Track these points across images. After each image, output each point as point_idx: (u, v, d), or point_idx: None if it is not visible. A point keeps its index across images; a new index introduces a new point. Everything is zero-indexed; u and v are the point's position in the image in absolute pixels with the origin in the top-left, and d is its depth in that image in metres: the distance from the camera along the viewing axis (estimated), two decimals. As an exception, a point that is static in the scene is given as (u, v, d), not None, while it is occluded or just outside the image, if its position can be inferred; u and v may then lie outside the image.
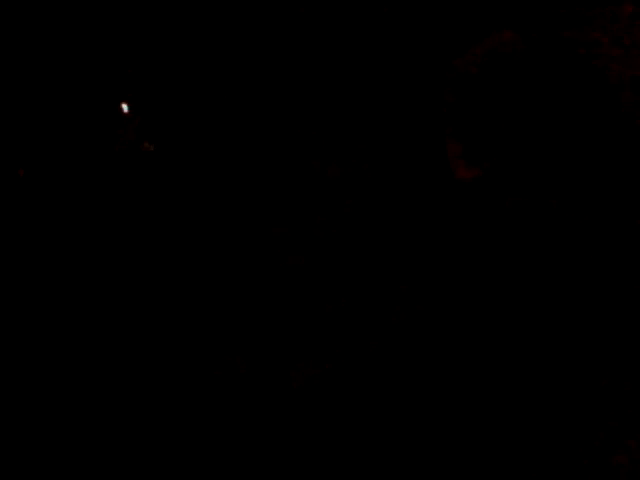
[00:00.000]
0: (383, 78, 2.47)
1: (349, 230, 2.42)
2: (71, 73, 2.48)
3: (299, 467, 2.31)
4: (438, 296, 2.38)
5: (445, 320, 2.36)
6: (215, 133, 2.46)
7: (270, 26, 2.48)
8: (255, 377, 2.35)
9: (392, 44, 2.48)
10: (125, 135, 2.44)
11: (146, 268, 2.42)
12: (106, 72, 2.48)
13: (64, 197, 2.44)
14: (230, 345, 2.39)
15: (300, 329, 2.38)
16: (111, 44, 2.48)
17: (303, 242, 2.41)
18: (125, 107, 2.38)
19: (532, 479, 2.25)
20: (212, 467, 2.33)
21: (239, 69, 2.48)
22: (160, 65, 2.47)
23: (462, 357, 2.34)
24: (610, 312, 2.33)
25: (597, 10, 2.46)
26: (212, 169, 2.46)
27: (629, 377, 2.29)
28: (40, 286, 2.42)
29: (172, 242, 2.44)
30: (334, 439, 2.32)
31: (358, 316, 2.39)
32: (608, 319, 2.33)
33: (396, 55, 2.48)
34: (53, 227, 2.44)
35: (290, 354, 2.37)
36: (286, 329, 2.38)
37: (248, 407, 2.35)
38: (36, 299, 2.42)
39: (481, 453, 2.28)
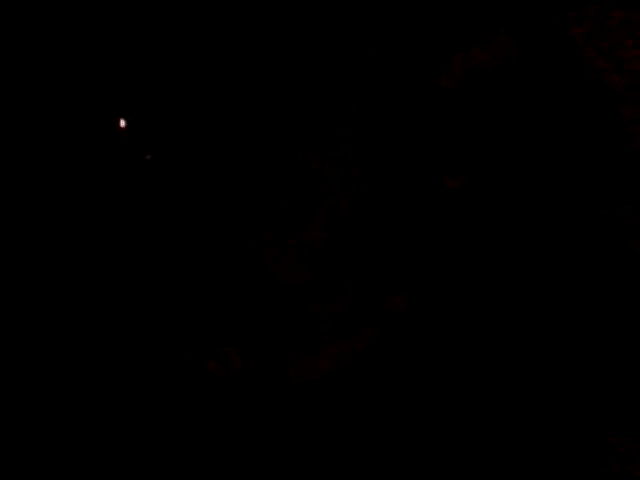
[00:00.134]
0: (381, 80, 2.47)
1: (345, 230, 2.42)
2: (70, 80, 2.48)
3: (298, 467, 2.32)
4: (433, 298, 2.39)
5: (441, 321, 2.37)
6: (208, 132, 2.47)
7: (266, 26, 2.48)
8: (251, 373, 2.35)
9: (385, 48, 2.48)
10: (121, 139, 2.43)
11: (142, 265, 2.42)
12: (104, 79, 2.47)
13: (63, 202, 2.44)
14: (225, 339, 2.39)
15: (299, 327, 2.38)
16: (109, 49, 2.48)
17: (301, 240, 2.41)
18: (123, 119, 2.37)
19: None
20: (207, 466, 2.34)
21: (234, 70, 2.48)
22: (154, 69, 2.47)
23: (458, 360, 2.34)
24: (604, 316, 2.34)
25: (587, 13, 2.47)
26: (206, 168, 2.46)
27: (630, 378, 2.30)
28: (39, 286, 2.42)
29: (169, 240, 2.43)
30: (334, 439, 2.33)
31: (357, 315, 2.39)
32: (602, 322, 2.34)
33: (391, 58, 2.48)
34: (52, 230, 2.44)
35: (288, 350, 2.37)
36: (284, 326, 2.38)
37: (244, 403, 2.35)
38: (36, 298, 2.41)
39: (481, 454, 2.29)
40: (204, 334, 2.38)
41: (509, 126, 2.43)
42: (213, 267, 2.41)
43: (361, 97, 2.46)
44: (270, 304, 2.38)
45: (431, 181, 2.42)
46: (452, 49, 2.47)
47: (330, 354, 2.36)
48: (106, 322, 2.40)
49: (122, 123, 2.43)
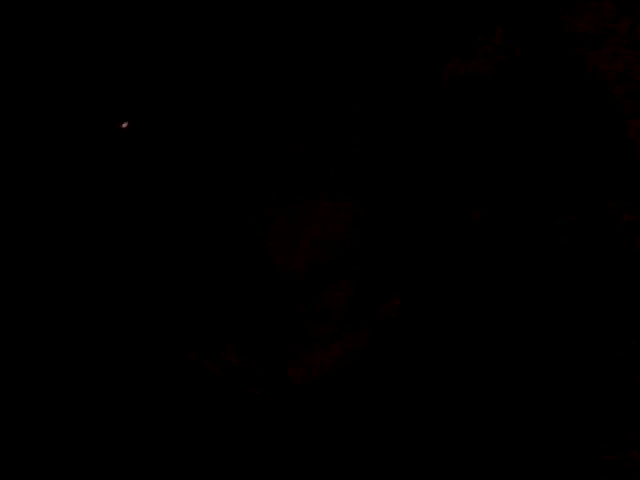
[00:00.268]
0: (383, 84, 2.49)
1: (347, 229, 2.42)
2: (70, 79, 2.49)
3: (298, 467, 2.30)
4: (433, 297, 2.38)
5: (440, 321, 2.36)
6: (210, 127, 2.47)
7: (263, 28, 2.50)
8: (250, 373, 2.35)
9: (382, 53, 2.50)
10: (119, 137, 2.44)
11: (141, 263, 2.42)
12: (105, 79, 2.49)
13: (62, 201, 2.44)
14: (223, 339, 2.38)
15: (299, 326, 2.38)
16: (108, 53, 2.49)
17: (303, 237, 2.41)
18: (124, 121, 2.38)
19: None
20: (207, 466, 2.32)
21: (233, 70, 2.49)
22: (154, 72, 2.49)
23: (457, 360, 2.34)
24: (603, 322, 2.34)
25: (591, 19, 2.49)
26: (206, 163, 2.46)
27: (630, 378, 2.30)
28: (39, 285, 2.42)
29: (167, 238, 2.44)
30: (334, 439, 2.31)
31: (358, 315, 2.38)
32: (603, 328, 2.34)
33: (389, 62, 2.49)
34: (51, 229, 2.44)
35: (289, 350, 2.36)
36: (284, 325, 2.37)
37: (243, 403, 2.34)
38: (34, 298, 2.41)
39: (481, 455, 2.28)
40: (203, 333, 2.37)
41: (510, 132, 2.44)
42: (212, 265, 2.40)
43: (361, 97, 2.46)
44: (269, 302, 2.38)
45: (431, 186, 2.42)
46: (449, 51, 2.48)
47: (331, 354, 2.35)
48: (105, 321, 2.39)
49: (123, 121, 2.43)
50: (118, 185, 2.44)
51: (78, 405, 2.35)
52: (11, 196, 2.40)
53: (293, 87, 2.47)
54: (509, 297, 2.36)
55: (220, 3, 2.49)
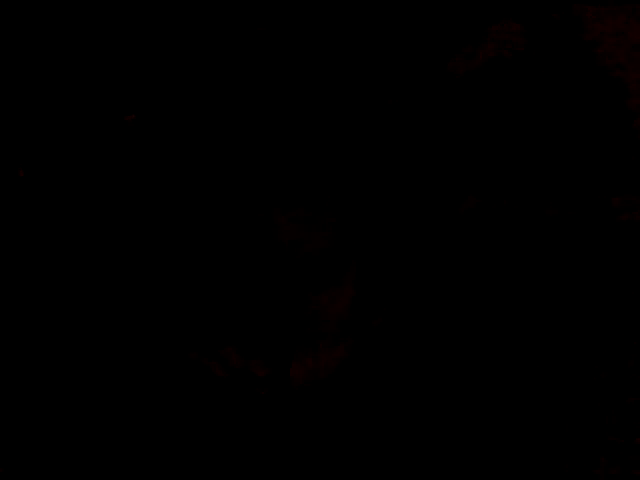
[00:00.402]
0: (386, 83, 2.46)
1: (350, 227, 2.41)
2: (72, 79, 2.46)
3: (298, 468, 2.31)
4: (434, 298, 2.37)
5: (440, 322, 2.36)
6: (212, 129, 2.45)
7: (263, 28, 2.47)
8: (252, 373, 2.34)
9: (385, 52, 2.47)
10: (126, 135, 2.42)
11: (142, 263, 2.40)
12: (107, 78, 2.46)
13: (64, 199, 2.42)
14: (225, 339, 2.37)
15: (301, 327, 2.37)
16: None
17: (308, 235, 2.40)
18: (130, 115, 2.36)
19: None
20: (207, 466, 2.32)
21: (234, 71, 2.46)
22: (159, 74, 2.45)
23: (456, 361, 2.33)
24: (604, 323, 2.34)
25: (602, 9, 2.46)
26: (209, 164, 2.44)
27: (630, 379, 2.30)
28: (39, 286, 2.40)
29: (168, 237, 2.42)
30: (335, 440, 2.31)
31: (359, 317, 2.38)
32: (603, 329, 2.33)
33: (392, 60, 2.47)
34: (52, 228, 2.42)
35: (290, 350, 2.35)
36: (286, 326, 2.36)
37: (245, 404, 2.34)
38: (35, 299, 2.40)
39: (481, 456, 2.28)
40: (203, 333, 2.36)
41: (518, 121, 2.42)
42: (214, 265, 2.39)
43: (367, 91, 2.44)
44: (272, 302, 2.36)
45: (435, 186, 2.40)
46: (459, 40, 2.46)
47: (335, 355, 2.33)
48: (106, 321, 2.38)
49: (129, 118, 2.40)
50: (121, 180, 2.42)
51: (79, 405, 2.35)
52: (14, 188, 2.38)
53: (302, 86, 2.44)
54: (505, 289, 2.35)
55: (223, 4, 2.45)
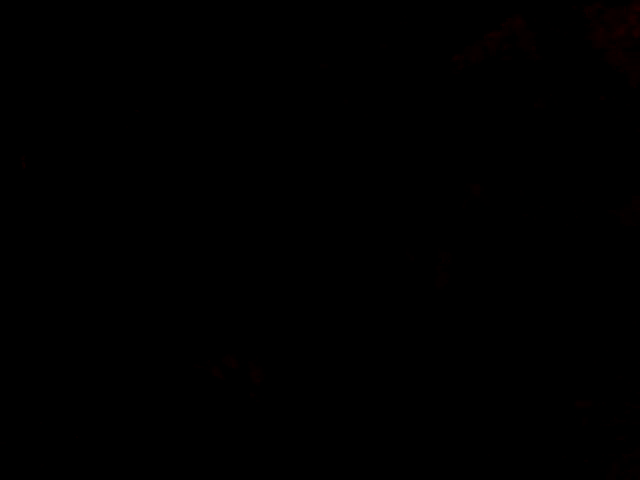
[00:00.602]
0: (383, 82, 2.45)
1: (344, 232, 2.41)
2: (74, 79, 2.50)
3: (295, 469, 2.32)
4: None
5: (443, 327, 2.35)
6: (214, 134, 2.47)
7: (264, 28, 2.48)
8: (251, 379, 2.36)
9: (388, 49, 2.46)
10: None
11: (142, 266, 2.44)
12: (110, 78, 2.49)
13: (66, 192, 2.46)
14: (226, 346, 2.40)
15: (298, 327, 2.38)
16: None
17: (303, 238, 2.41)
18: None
19: None
20: (208, 467, 2.35)
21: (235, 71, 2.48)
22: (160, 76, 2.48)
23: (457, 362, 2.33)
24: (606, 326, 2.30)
25: (607, 9, 2.42)
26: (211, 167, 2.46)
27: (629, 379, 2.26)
28: (43, 288, 2.45)
29: (173, 240, 2.45)
30: (335, 442, 2.32)
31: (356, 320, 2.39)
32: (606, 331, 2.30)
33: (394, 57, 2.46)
34: (58, 228, 2.46)
35: (288, 352, 2.37)
36: (283, 327, 2.38)
37: (245, 408, 2.36)
38: (40, 303, 2.45)
39: (481, 457, 2.27)
40: (205, 339, 2.39)
41: (522, 117, 2.40)
42: (213, 272, 2.42)
43: (373, 87, 2.44)
44: (269, 309, 2.38)
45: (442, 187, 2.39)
46: (467, 34, 2.43)
47: (331, 358, 2.35)
48: (110, 326, 2.42)
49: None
50: (124, 181, 2.46)
51: (81, 409, 2.39)
52: (17, 183, 2.41)
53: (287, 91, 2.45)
54: (512, 282, 2.33)
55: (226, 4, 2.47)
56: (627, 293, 2.29)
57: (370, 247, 2.40)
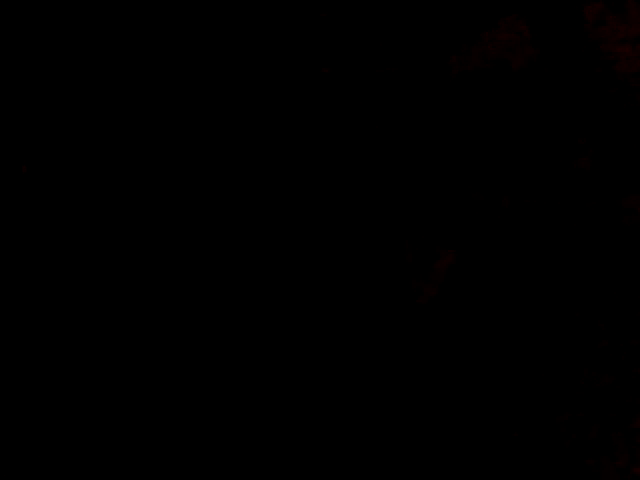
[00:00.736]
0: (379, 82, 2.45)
1: (342, 234, 2.41)
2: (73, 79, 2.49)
3: (297, 468, 2.32)
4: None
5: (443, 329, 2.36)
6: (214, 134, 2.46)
7: (264, 28, 2.47)
8: (253, 382, 2.36)
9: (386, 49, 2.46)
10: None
11: (144, 268, 2.43)
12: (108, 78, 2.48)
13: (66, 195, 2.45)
14: (226, 348, 2.39)
15: (297, 330, 2.38)
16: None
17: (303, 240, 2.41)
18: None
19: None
20: (208, 467, 2.34)
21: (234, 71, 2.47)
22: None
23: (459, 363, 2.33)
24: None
25: (607, 8, 2.42)
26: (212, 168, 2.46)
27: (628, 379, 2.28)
28: (44, 287, 2.43)
29: (174, 242, 2.44)
30: (335, 442, 2.33)
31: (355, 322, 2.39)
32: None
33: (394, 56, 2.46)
34: (64, 229, 2.45)
35: (288, 354, 2.37)
36: (283, 329, 2.38)
37: (247, 413, 2.35)
38: (41, 301, 2.43)
39: (481, 457, 2.28)
40: (204, 341, 2.38)
41: (520, 121, 2.40)
42: (219, 270, 2.41)
43: (371, 88, 2.44)
44: (268, 304, 2.38)
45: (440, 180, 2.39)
46: (463, 36, 2.43)
47: (331, 361, 2.35)
48: (111, 321, 2.41)
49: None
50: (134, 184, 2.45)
51: (81, 405, 2.38)
52: (17, 185, 2.40)
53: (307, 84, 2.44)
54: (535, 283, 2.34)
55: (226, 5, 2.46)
56: (627, 293, 2.31)
57: (370, 247, 2.40)
